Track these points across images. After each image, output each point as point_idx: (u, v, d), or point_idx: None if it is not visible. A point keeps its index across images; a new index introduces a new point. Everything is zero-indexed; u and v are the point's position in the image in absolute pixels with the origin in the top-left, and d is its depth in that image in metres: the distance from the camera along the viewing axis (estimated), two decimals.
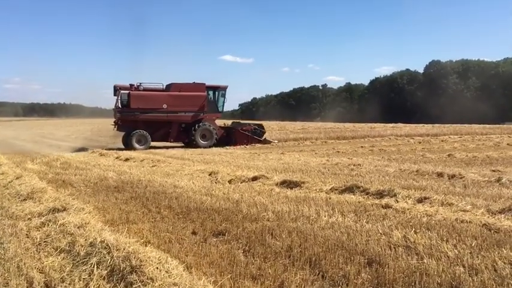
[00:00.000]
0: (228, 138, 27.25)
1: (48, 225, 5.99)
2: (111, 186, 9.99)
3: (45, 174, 12.05)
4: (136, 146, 24.74)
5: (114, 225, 6.36)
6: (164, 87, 26.67)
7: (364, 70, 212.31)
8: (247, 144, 26.45)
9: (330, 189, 8.73)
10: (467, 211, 6.55)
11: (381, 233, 5.55)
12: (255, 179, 10.24)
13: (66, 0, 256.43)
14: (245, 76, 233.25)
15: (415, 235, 5.36)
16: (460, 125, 45.18)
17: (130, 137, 25.06)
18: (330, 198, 7.85)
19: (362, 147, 22.36)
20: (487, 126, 42.55)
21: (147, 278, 3.92)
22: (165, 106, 25.53)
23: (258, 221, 6.38)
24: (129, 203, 8.09)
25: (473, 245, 4.98)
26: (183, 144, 26.87)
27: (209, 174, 11.37)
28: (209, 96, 27.14)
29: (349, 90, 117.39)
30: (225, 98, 28.14)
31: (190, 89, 26.49)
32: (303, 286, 4.17)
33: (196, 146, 25.44)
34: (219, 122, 28.80)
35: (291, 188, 9.07)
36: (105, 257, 4.42)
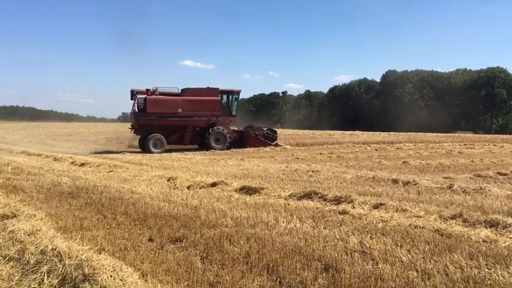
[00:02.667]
0: (241, 141, 28.02)
1: None
2: (65, 192, 9.68)
3: None
4: (153, 149, 25.44)
5: (67, 232, 6.16)
6: (179, 91, 27.37)
7: (323, 78, 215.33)
8: (260, 147, 27.25)
9: (289, 195, 8.79)
10: (421, 217, 6.74)
11: (337, 239, 5.62)
12: (214, 185, 10.19)
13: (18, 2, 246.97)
14: (206, 82, 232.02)
15: (370, 240, 5.46)
16: (414, 133, 46.44)
17: (147, 141, 25.72)
18: (288, 205, 7.90)
19: (321, 154, 22.64)
20: (440, 134, 43.89)
21: (101, 287, 3.81)
22: (180, 110, 26.34)
23: (216, 227, 6.33)
24: (83, 209, 7.86)
25: (426, 250, 5.12)
26: (197, 147, 27.63)
27: (167, 180, 11.22)
28: (223, 101, 27.93)
29: (308, 98, 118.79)
30: (238, 102, 29.06)
31: (204, 94, 27.31)
32: None
33: (211, 149, 26.29)
34: None
35: (250, 194, 9.07)
36: (56, 265, 4.27)
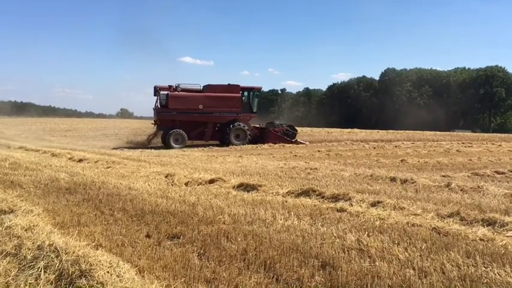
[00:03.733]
0: (261, 138, 28.46)
1: None
2: (62, 187, 9.66)
3: None
4: (174, 145, 26.02)
5: (64, 228, 6.15)
6: (201, 88, 27.89)
7: (322, 76, 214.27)
8: (280, 143, 27.60)
9: (287, 192, 8.79)
10: (418, 215, 6.75)
11: (335, 236, 5.62)
12: (212, 181, 10.18)
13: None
14: (206, 78, 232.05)
15: (368, 238, 5.46)
16: (412, 131, 46.32)
17: (168, 136, 26.31)
18: (286, 202, 7.89)
19: (319, 151, 22.64)
20: (438, 133, 43.87)
21: (97, 283, 3.81)
22: (201, 107, 26.92)
23: (213, 224, 6.33)
24: (81, 205, 7.85)
25: (423, 248, 5.13)
26: (218, 143, 28.04)
27: (165, 177, 11.20)
28: (243, 97, 28.41)
29: (307, 95, 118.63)
30: (259, 98, 29.64)
31: (225, 91, 27.83)
32: None
33: (231, 145, 26.83)
34: None
35: (248, 191, 9.07)
36: (53, 261, 4.26)
